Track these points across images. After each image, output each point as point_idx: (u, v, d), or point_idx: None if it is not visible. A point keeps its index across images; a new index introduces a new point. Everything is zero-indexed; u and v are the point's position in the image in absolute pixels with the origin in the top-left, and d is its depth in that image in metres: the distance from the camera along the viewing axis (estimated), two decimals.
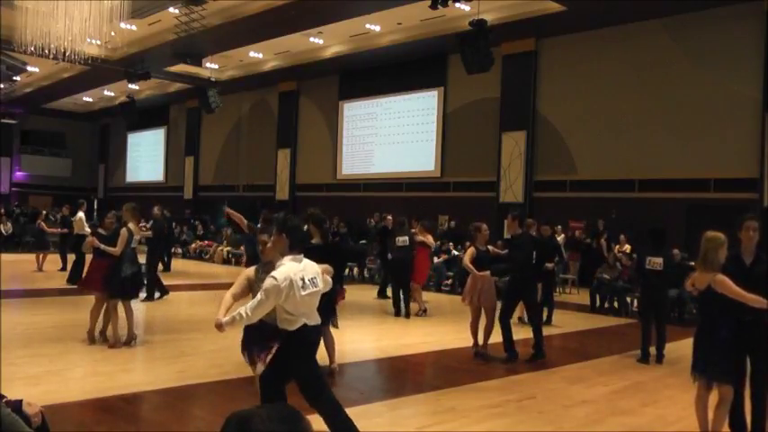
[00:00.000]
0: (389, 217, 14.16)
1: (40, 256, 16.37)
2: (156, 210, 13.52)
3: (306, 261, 4.31)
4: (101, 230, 8.55)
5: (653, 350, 8.30)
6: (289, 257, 4.22)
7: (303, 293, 4.13)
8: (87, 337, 7.86)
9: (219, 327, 4.13)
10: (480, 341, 8.11)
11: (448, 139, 20.69)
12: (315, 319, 4.30)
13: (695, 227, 14.77)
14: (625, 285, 12.67)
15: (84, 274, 8.17)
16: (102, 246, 7.86)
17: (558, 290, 14.31)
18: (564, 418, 5.66)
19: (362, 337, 9.76)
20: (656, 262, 8.24)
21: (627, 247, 13.63)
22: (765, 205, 14.12)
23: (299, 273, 4.15)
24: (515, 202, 18.18)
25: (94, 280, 7.90)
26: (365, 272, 17.33)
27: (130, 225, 8.00)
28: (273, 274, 4.11)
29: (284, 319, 4.20)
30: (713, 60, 15.33)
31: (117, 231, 8.01)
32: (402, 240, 11.71)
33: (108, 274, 7.76)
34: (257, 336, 4.94)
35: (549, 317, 10.94)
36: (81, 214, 15.04)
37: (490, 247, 8.61)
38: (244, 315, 4.07)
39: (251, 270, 5.08)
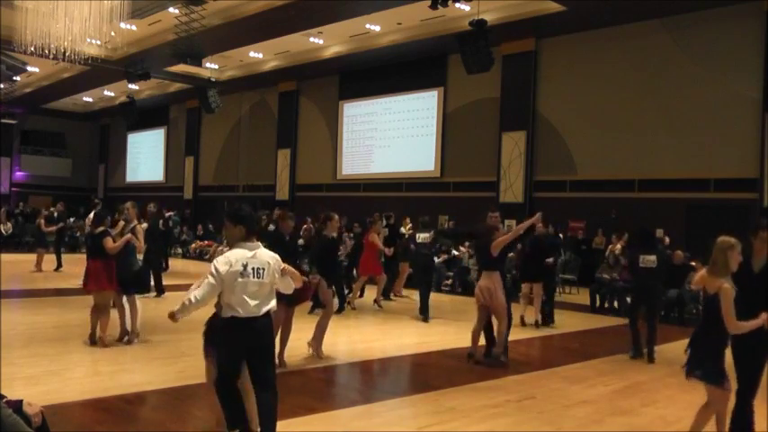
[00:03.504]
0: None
1: (43, 257, 16.34)
2: (150, 206, 13.48)
3: (260, 251, 4.26)
4: (110, 230, 8.34)
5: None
6: (240, 244, 4.25)
7: (240, 280, 4.12)
8: (89, 340, 7.83)
9: (171, 317, 4.13)
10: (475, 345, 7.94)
11: (448, 139, 20.69)
12: (249, 311, 4.17)
13: (695, 227, 14.86)
14: (625, 285, 12.65)
15: (92, 278, 7.89)
16: (137, 242, 8.26)
17: (558, 290, 14.29)
18: (564, 418, 5.66)
19: (362, 337, 9.77)
20: (649, 259, 8.31)
21: (618, 247, 13.69)
22: (765, 205, 14.13)
23: (242, 259, 4.16)
24: (515, 202, 18.20)
25: (101, 280, 7.85)
26: None
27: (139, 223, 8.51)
28: (217, 257, 4.21)
29: (221, 306, 4.24)
30: (713, 60, 15.34)
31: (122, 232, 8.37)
32: (423, 237, 11.78)
33: (118, 271, 7.91)
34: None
35: (551, 316, 10.95)
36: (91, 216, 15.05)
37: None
38: (192, 299, 4.07)
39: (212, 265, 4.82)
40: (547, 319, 10.80)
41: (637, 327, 8.43)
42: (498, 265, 7.74)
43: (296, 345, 7.74)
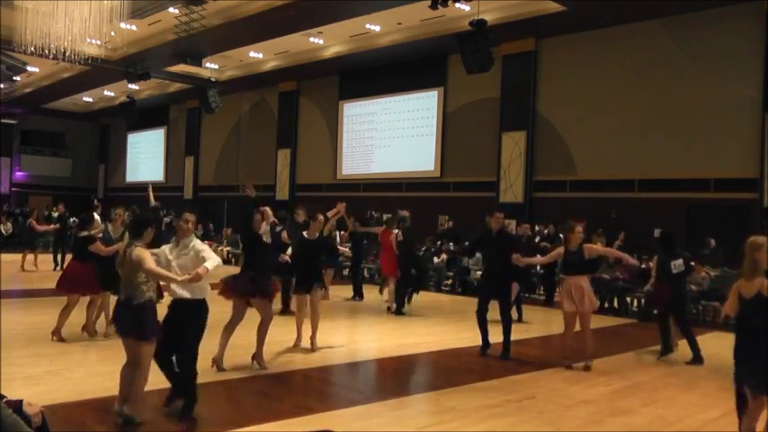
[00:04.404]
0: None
1: (26, 256, 16.33)
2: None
3: None
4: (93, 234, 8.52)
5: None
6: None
7: None
8: (85, 332, 8.12)
9: (199, 276, 4.85)
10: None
11: (448, 139, 20.69)
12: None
13: (695, 227, 14.86)
14: (625, 285, 12.65)
15: (70, 279, 8.05)
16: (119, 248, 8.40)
17: (558, 290, 14.28)
18: (564, 418, 5.66)
19: (362, 337, 9.78)
20: (678, 264, 8.55)
21: (599, 245, 13.64)
22: (765, 205, 14.13)
23: None
24: (515, 202, 18.20)
25: (79, 283, 7.98)
26: (365, 272, 17.25)
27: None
28: (202, 245, 5.28)
29: (197, 288, 5.20)
30: (713, 60, 15.33)
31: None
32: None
33: (104, 272, 7.99)
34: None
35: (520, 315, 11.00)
36: (96, 216, 15.03)
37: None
38: (220, 263, 5.14)
39: (146, 253, 4.92)
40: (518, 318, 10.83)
41: (668, 325, 8.53)
42: (584, 268, 7.74)
43: (293, 344, 7.74)
